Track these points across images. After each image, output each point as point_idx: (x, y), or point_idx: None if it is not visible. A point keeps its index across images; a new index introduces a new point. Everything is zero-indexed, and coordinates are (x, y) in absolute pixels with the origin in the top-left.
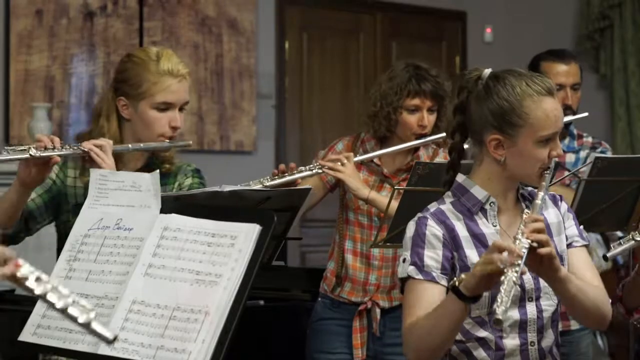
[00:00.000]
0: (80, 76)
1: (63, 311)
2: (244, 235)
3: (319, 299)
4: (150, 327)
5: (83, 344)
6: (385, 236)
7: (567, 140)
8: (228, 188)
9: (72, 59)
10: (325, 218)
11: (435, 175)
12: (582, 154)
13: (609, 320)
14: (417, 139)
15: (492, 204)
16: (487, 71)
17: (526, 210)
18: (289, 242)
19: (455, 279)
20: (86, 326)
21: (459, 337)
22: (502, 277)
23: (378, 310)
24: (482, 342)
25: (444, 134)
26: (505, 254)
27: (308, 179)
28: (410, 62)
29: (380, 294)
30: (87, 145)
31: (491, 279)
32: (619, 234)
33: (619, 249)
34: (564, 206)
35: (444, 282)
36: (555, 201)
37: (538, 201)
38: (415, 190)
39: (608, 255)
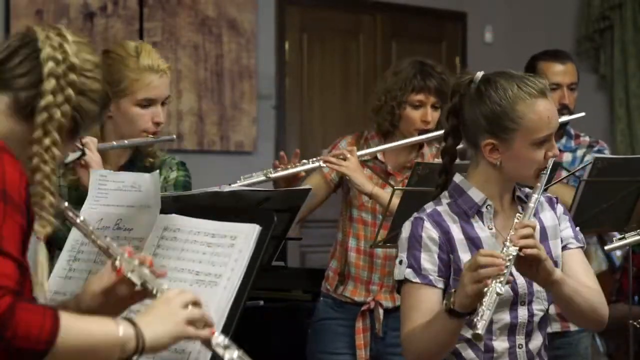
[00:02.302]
0: None
1: None
2: (244, 236)
3: (321, 298)
4: None
5: None
6: (385, 236)
7: (564, 140)
8: (228, 188)
9: None
10: (325, 218)
11: (435, 175)
12: (579, 152)
13: (606, 321)
14: (420, 134)
15: (488, 206)
16: (479, 74)
17: (518, 214)
18: (289, 242)
19: (445, 301)
20: None
21: None
22: (485, 289)
23: (381, 311)
24: (471, 343)
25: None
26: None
27: (311, 179)
28: (416, 58)
29: (384, 294)
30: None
31: (484, 294)
32: (617, 235)
33: (621, 242)
34: (560, 208)
35: (441, 285)
36: (551, 203)
37: (531, 204)
38: (414, 191)
39: (606, 248)
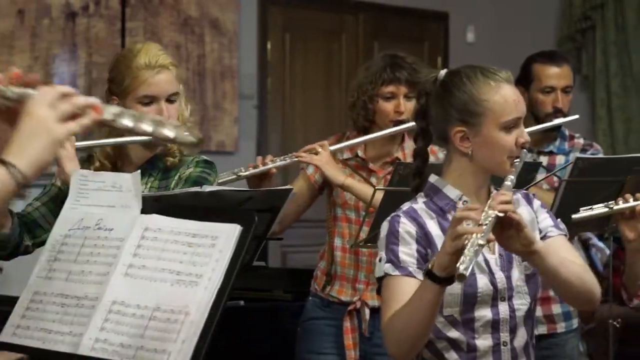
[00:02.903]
0: (62, 76)
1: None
2: (225, 236)
3: (310, 297)
4: (130, 328)
5: (63, 344)
6: (367, 235)
7: (557, 142)
8: (209, 188)
9: (54, 59)
10: (306, 218)
11: None
12: (573, 156)
13: (597, 299)
14: (395, 126)
15: (464, 202)
16: (443, 71)
17: (494, 191)
18: (270, 242)
19: (428, 264)
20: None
21: (430, 337)
22: (466, 242)
23: (367, 311)
24: (454, 343)
25: None
26: (470, 223)
27: (296, 183)
28: (387, 52)
29: (370, 292)
30: None
31: (462, 253)
32: (590, 235)
33: (588, 213)
34: (536, 202)
35: (421, 277)
36: (528, 199)
37: (507, 182)
38: (396, 191)
39: (573, 217)
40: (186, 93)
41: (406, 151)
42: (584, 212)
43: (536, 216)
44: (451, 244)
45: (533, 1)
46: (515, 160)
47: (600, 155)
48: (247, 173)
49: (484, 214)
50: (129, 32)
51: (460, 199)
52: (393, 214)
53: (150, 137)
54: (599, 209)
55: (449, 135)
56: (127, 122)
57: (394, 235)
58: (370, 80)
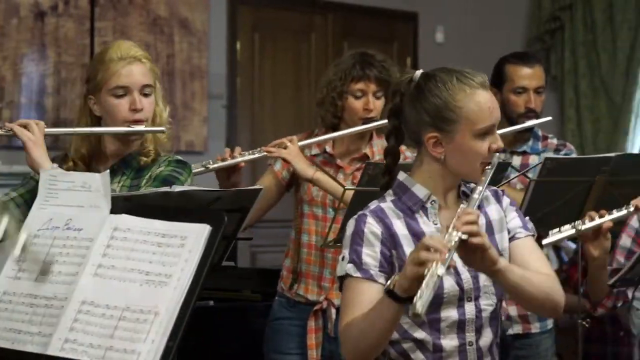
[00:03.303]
0: (30, 76)
1: None
2: (194, 236)
3: (276, 297)
4: (99, 328)
5: (32, 344)
6: (336, 236)
7: (531, 142)
8: (178, 188)
9: (22, 58)
10: (275, 218)
11: None
12: (545, 156)
13: (561, 308)
14: (363, 123)
15: (433, 202)
16: (418, 72)
17: (462, 205)
18: (239, 242)
19: (389, 282)
20: None
21: (396, 337)
22: (426, 271)
23: (333, 310)
24: (420, 343)
25: None
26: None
27: (263, 180)
28: (357, 50)
29: (336, 291)
30: (9, 125)
31: (423, 277)
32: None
33: (557, 237)
34: (505, 200)
35: (382, 280)
36: (497, 197)
37: (475, 195)
38: (365, 191)
39: (544, 242)
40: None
41: (374, 148)
42: (552, 237)
43: (505, 215)
44: (412, 269)
45: (502, 2)
46: (487, 167)
47: (572, 156)
48: (215, 165)
49: (447, 235)
50: (98, 32)
51: (428, 198)
52: (360, 213)
53: (124, 130)
54: (566, 231)
55: (421, 139)
56: None
57: (358, 236)
58: (339, 77)
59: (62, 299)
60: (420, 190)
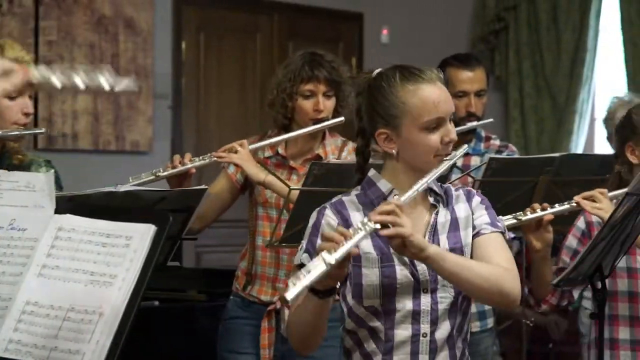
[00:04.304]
0: None
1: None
2: (139, 236)
3: (231, 297)
4: (43, 329)
5: None
6: (282, 235)
7: (473, 143)
8: (123, 188)
9: None
10: (220, 219)
11: (331, 175)
12: (488, 157)
13: (514, 299)
14: (314, 124)
15: (395, 196)
16: (376, 71)
17: (396, 196)
18: (184, 242)
19: None
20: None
21: (352, 327)
22: (315, 260)
23: (287, 311)
24: (373, 332)
25: (342, 119)
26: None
27: (218, 182)
28: (306, 50)
29: None
30: None
31: (338, 269)
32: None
33: None
34: (476, 199)
35: None
36: (468, 195)
37: (415, 187)
38: (311, 191)
39: None
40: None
41: (327, 148)
42: None
43: (472, 213)
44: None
45: (447, 2)
46: (445, 159)
47: (515, 156)
48: (166, 173)
49: (358, 224)
50: (43, 31)
51: (390, 192)
52: (322, 205)
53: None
54: (508, 220)
55: (374, 137)
56: (56, 81)
57: (316, 227)
58: (289, 78)
59: (6, 299)
60: (384, 185)
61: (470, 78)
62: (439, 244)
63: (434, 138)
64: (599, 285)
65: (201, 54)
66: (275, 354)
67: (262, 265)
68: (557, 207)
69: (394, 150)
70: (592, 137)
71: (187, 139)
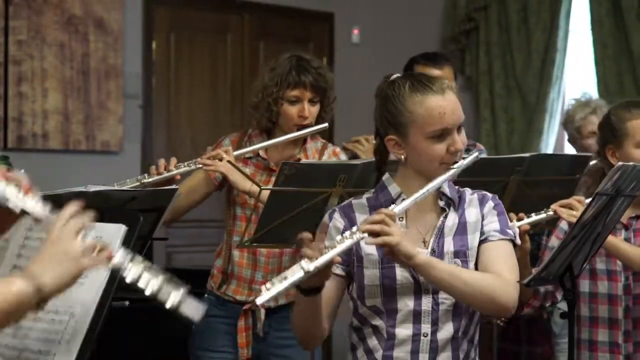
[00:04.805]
0: None
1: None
2: (110, 236)
3: (206, 295)
4: (14, 329)
5: None
6: (252, 236)
7: None
8: (94, 188)
9: None
10: (191, 219)
11: (302, 175)
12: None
13: (508, 307)
14: (298, 129)
15: (403, 200)
16: (392, 77)
17: (393, 206)
18: (155, 242)
19: None
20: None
21: (357, 324)
22: (295, 266)
23: (263, 311)
24: (376, 329)
25: (325, 125)
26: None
27: (194, 176)
28: (293, 53)
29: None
30: None
31: (318, 275)
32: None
33: None
34: (489, 205)
35: (339, 271)
36: (482, 200)
37: (416, 194)
38: (282, 191)
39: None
40: (70, 92)
41: (308, 152)
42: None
43: (483, 218)
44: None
45: (417, 2)
46: (451, 167)
47: (483, 156)
48: (151, 180)
49: (347, 233)
50: (12, 31)
51: (399, 196)
52: (333, 208)
53: None
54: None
55: (384, 141)
56: (132, 274)
57: (323, 229)
58: (275, 82)
59: None
60: (394, 189)
61: (438, 76)
62: (443, 246)
63: (440, 147)
64: (569, 284)
65: (172, 53)
66: (252, 353)
67: (239, 266)
68: (534, 217)
69: (402, 156)
70: (562, 136)
71: (157, 139)
